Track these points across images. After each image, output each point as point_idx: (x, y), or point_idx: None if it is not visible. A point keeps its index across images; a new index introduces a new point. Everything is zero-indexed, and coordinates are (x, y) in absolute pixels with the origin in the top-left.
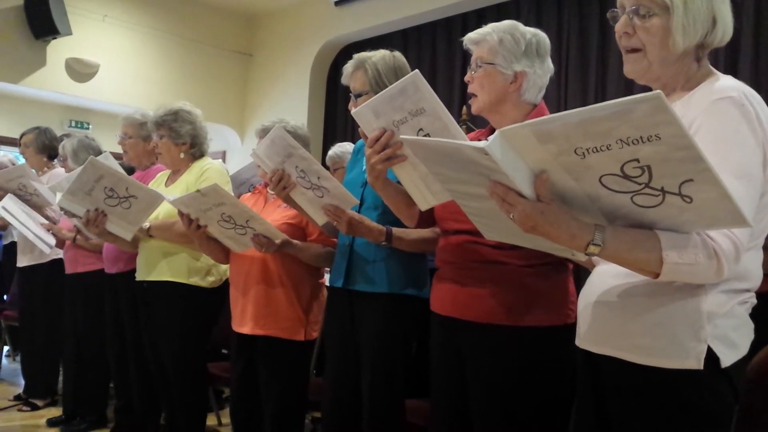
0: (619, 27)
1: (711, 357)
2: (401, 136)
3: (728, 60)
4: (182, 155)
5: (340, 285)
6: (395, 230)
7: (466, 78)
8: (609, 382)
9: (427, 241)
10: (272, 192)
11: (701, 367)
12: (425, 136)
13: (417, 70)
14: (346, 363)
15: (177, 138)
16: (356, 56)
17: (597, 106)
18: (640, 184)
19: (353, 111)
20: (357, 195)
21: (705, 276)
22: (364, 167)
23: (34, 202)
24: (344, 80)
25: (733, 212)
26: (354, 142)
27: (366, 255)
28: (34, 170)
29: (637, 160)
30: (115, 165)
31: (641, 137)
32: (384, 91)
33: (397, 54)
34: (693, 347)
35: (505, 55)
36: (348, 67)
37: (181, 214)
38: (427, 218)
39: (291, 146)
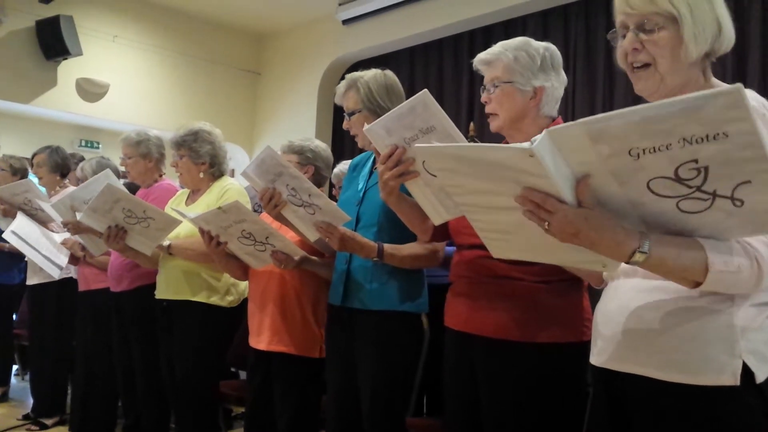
0: (626, 44)
1: (745, 372)
2: (417, 145)
3: (736, 65)
4: (202, 175)
5: (338, 304)
6: (387, 246)
7: (483, 99)
8: (635, 401)
9: (419, 257)
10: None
11: (737, 383)
12: None
13: (426, 90)
14: (348, 381)
15: (197, 158)
16: (348, 76)
17: (665, 102)
18: (691, 187)
19: (366, 128)
20: (352, 213)
21: (746, 284)
22: (360, 186)
23: (39, 217)
24: (337, 100)
25: None
26: None
27: (363, 276)
28: (44, 189)
29: (696, 161)
30: (118, 184)
31: (707, 135)
32: (394, 109)
33: (389, 72)
34: (728, 363)
35: (522, 72)
36: (340, 88)
37: (201, 231)
38: (441, 232)
39: (281, 165)
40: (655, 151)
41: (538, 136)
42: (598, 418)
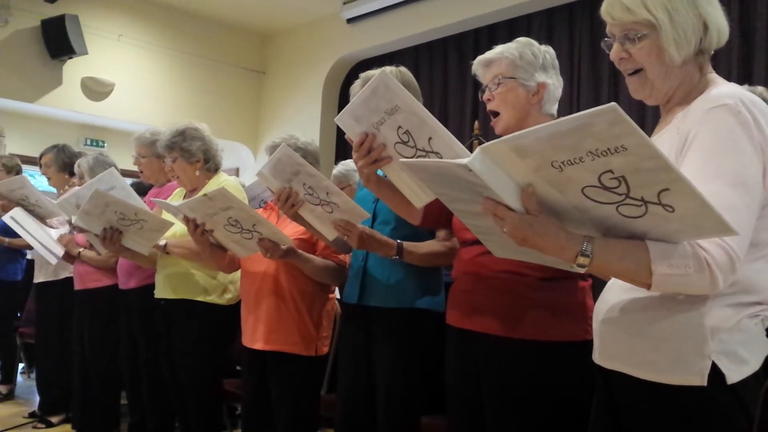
0: (613, 55)
1: (716, 373)
2: (400, 160)
3: (741, 64)
4: (197, 173)
5: (355, 302)
6: (406, 244)
7: (485, 97)
8: (621, 398)
9: (438, 255)
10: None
11: (705, 384)
12: (404, 133)
13: (383, 69)
14: (360, 379)
15: (190, 157)
16: (362, 75)
17: (560, 120)
18: (620, 194)
19: (336, 118)
20: (369, 210)
21: (698, 287)
22: None
23: (37, 213)
24: None
25: (717, 221)
26: None
27: (379, 272)
28: (55, 189)
29: (611, 171)
30: (121, 181)
31: (608, 149)
32: (357, 95)
33: (403, 69)
34: (696, 363)
35: (525, 69)
36: (356, 88)
37: (186, 219)
38: (430, 216)
39: (298, 164)
40: (572, 163)
41: (474, 152)
42: (601, 415)
